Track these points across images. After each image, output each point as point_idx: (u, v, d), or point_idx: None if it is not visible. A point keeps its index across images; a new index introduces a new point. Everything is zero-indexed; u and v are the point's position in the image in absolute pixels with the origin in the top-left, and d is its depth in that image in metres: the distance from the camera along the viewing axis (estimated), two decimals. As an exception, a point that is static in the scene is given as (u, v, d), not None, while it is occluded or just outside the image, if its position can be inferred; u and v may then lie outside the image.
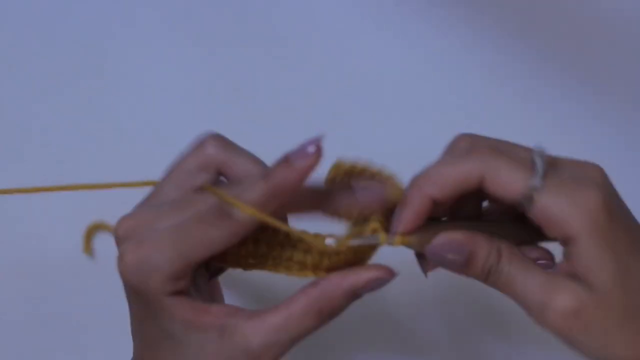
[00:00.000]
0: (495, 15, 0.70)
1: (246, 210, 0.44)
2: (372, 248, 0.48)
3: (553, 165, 0.45)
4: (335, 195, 0.47)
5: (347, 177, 0.48)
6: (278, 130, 0.65)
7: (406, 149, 0.62)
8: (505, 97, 0.70)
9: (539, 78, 0.70)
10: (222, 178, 0.49)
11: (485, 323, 0.67)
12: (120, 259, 0.46)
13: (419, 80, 0.70)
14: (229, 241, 0.45)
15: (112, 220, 0.48)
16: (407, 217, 0.46)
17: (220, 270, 0.51)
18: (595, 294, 0.44)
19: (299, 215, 0.48)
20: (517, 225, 0.47)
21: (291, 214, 0.48)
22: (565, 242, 0.45)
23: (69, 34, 0.69)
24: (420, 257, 0.48)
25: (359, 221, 0.47)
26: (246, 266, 0.49)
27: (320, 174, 0.46)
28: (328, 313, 0.46)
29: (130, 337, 0.49)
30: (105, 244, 0.64)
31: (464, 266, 0.46)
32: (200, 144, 0.49)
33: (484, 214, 0.50)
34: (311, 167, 0.44)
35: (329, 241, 0.46)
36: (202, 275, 0.49)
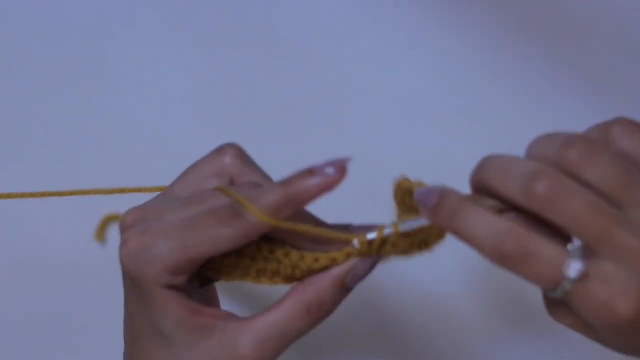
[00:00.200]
0: (495, 15, 0.70)
1: (257, 213, 0.44)
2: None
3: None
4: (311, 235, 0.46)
5: (408, 196, 0.48)
6: (278, 130, 0.65)
7: (406, 149, 0.62)
8: (505, 97, 0.70)
9: (538, 78, 0.70)
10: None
11: (485, 330, 0.67)
12: (123, 244, 0.46)
13: (419, 80, 0.70)
14: (236, 242, 0.45)
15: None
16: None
17: (210, 281, 0.51)
18: None
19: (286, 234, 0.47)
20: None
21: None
22: None
23: (69, 34, 0.69)
24: None
25: (404, 210, 0.48)
26: (228, 277, 0.48)
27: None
28: (317, 308, 0.46)
29: (130, 337, 0.49)
30: (106, 244, 0.64)
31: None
32: (218, 152, 0.49)
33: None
34: (332, 185, 0.44)
35: (354, 242, 0.46)
36: (196, 285, 0.49)
